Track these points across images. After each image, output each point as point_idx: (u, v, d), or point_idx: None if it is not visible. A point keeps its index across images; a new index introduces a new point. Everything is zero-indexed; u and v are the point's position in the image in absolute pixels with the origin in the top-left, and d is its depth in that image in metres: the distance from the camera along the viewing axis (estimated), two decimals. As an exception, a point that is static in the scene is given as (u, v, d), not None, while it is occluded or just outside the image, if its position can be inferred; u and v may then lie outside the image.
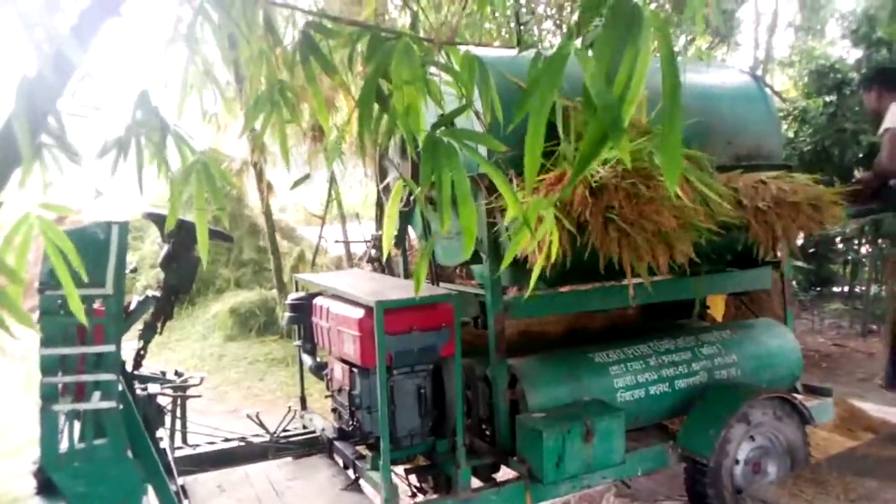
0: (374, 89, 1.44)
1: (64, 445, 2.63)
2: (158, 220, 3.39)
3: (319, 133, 8.43)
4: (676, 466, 3.85)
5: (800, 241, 7.46)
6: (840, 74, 8.43)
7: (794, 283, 7.84)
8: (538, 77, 1.22)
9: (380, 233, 5.23)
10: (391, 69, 1.42)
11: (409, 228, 4.45)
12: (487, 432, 3.67)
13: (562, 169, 2.88)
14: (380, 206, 4.68)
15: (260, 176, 9.35)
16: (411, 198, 3.83)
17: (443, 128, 1.46)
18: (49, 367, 2.59)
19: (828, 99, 8.40)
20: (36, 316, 2.52)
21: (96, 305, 2.70)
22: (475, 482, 3.41)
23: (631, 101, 1.14)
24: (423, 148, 1.44)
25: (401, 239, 4.54)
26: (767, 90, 4.56)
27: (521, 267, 3.19)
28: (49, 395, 2.59)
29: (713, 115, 3.90)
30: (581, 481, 3.42)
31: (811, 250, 8.72)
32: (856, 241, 9.04)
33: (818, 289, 9.37)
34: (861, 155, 8.02)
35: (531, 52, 1.43)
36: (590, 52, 1.20)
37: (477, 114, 2.41)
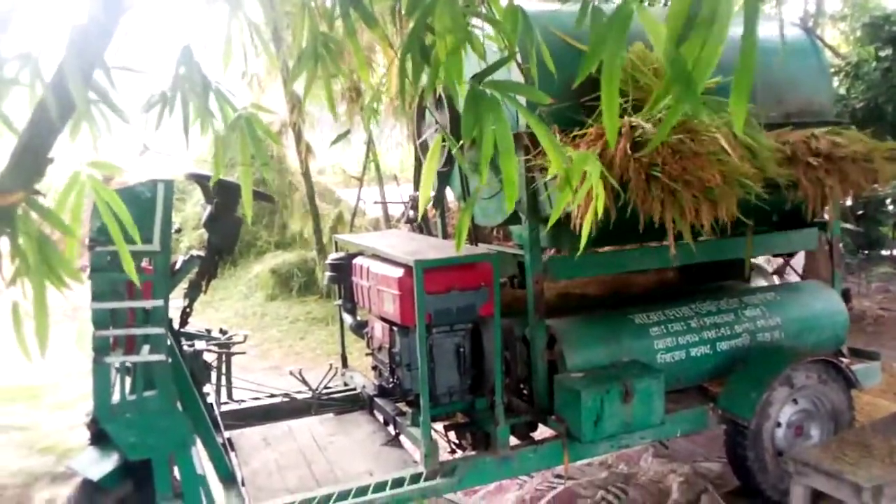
0: (416, 39, 1.42)
1: (116, 397, 2.72)
2: (202, 180, 3.43)
3: (356, 94, 8.40)
4: (716, 428, 3.83)
5: (848, 203, 7.24)
6: (896, 27, 8.02)
7: (841, 245, 7.62)
8: (604, 34, 1.19)
9: (418, 193, 5.23)
10: (434, 19, 1.39)
11: (448, 190, 4.43)
12: (525, 392, 3.69)
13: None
14: (418, 166, 4.66)
15: (299, 138, 9.38)
16: (450, 155, 3.80)
17: (485, 79, 1.43)
18: (101, 321, 2.67)
19: (882, 53, 8.01)
20: (87, 272, 2.59)
21: (144, 263, 2.77)
22: (513, 440, 3.44)
23: (708, 65, 1.10)
24: (466, 100, 1.42)
25: (439, 200, 4.52)
26: (819, 44, 4.38)
27: (560, 227, 3.15)
28: (101, 348, 2.67)
29: (762, 71, 3.75)
30: (619, 441, 3.43)
31: (860, 212, 8.44)
32: (906, 204, 8.73)
33: (866, 252, 9.08)
34: (917, 112, 7.67)
35: (575, 6, 1.38)
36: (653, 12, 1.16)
37: (519, 65, 2.36)
